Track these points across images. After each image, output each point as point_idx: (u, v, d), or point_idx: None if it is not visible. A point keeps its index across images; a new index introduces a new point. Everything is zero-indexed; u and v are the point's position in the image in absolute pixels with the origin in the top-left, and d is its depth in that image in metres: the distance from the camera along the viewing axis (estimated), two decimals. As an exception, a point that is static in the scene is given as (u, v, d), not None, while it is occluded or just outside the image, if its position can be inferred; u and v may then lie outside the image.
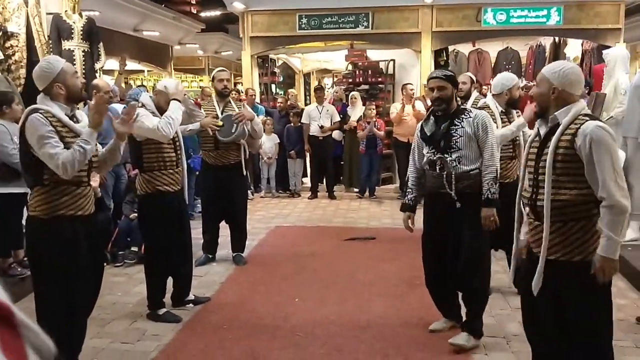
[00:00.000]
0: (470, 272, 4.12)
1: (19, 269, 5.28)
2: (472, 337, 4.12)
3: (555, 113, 2.95)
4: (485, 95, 5.93)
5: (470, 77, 6.47)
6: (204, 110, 6.06)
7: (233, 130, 5.88)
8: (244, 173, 6.24)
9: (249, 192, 10.44)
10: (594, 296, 2.94)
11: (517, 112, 5.25)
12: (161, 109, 4.69)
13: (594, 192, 2.86)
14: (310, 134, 10.39)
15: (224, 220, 6.41)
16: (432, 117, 4.26)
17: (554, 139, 2.91)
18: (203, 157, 6.31)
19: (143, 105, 4.65)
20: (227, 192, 6.15)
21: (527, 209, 3.15)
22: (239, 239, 6.44)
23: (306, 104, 11.97)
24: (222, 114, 5.98)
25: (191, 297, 5.10)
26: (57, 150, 3.29)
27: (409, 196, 4.39)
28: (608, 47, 9.32)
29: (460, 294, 4.38)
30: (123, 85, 11.08)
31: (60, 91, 3.42)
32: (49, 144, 3.27)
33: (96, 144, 3.63)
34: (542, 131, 3.05)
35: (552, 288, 3.01)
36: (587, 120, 2.88)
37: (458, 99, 4.51)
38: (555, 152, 2.89)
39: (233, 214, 6.32)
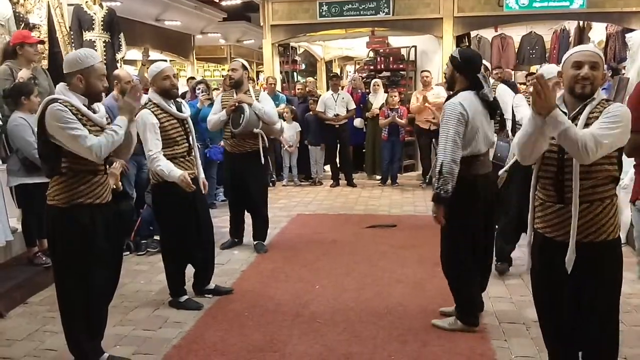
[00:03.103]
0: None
1: (43, 258, 5.38)
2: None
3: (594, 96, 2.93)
4: (503, 81, 5.86)
5: (485, 66, 6.40)
6: (224, 101, 6.16)
7: (240, 121, 5.95)
8: (262, 161, 6.24)
9: (270, 180, 10.55)
10: (614, 274, 2.98)
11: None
12: (166, 93, 4.68)
13: (615, 169, 2.90)
14: (326, 122, 10.35)
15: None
16: None
17: (582, 116, 2.89)
18: (224, 145, 6.44)
19: (149, 100, 4.68)
20: (244, 180, 6.21)
21: (544, 191, 3.05)
22: (259, 228, 6.51)
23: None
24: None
25: (212, 286, 5.13)
26: (85, 132, 3.34)
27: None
28: (632, 30, 9.16)
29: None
30: (146, 75, 11.18)
31: (79, 84, 3.45)
32: (74, 128, 3.31)
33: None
34: (566, 110, 2.97)
35: (571, 270, 2.96)
36: (613, 103, 2.95)
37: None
38: (583, 128, 2.83)
39: (251, 202, 6.38)
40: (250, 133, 6.07)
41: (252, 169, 6.19)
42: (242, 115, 5.95)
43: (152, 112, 4.59)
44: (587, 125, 2.86)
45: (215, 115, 6.18)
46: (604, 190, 2.90)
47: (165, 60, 14.85)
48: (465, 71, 4.11)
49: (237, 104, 5.98)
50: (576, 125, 2.87)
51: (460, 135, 3.96)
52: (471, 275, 4.23)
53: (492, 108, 4.10)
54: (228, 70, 6.14)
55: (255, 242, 6.47)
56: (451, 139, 3.94)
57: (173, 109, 4.69)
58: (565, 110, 2.98)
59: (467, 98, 4.03)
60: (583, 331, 3.02)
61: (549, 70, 5.26)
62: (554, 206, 3.01)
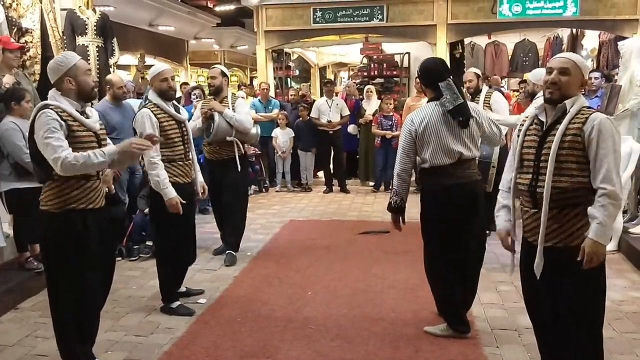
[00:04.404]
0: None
1: (35, 263, 5.35)
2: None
3: (565, 102, 2.94)
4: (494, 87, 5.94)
5: (476, 73, 6.46)
6: (204, 108, 6.05)
7: (211, 130, 5.92)
8: (238, 169, 6.08)
9: (263, 186, 10.54)
10: (591, 281, 2.96)
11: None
12: (163, 94, 4.70)
13: (587, 178, 2.90)
14: (320, 128, 10.32)
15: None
16: None
17: (561, 126, 2.91)
18: (204, 152, 6.37)
19: (148, 101, 4.71)
20: (221, 187, 6.10)
21: (522, 196, 3.13)
22: (231, 236, 6.30)
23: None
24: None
25: (183, 289, 5.11)
26: (61, 144, 3.29)
27: None
28: (625, 38, 9.22)
29: None
30: (140, 80, 11.18)
31: (71, 86, 3.45)
32: (53, 137, 3.28)
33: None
34: (545, 119, 3.04)
35: (549, 275, 3.02)
36: (594, 111, 2.93)
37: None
38: (562, 138, 2.89)
39: (225, 209, 6.24)
40: (226, 140, 6.00)
41: (228, 176, 6.08)
42: (212, 124, 5.91)
43: (152, 111, 4.61)
44: (565, 135, 2.88)
45: (193, 123, 5.94)
46: (576, 196, 2.92)
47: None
48: (426, 82, 4.16)
49: (209, 111, 5.91)
50: (554, 135, 2.92)
51: (411, 148, 4.08)
52: (447, 283, 4.23)
53: (457, 116, 4.00)
54: (207, 78, 6.06)
55: (226, 252, 6.26)
56: (401, 152, 4.13)
57: (172, 110, 4.73)
58: (544, 119, 3.03)
59: (423, 110, 4.10)
60: (563, 333, 3.04)
61: (538, 74, 5.37)
62: (529, 211, 3.08)
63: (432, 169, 4.05)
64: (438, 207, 4.09)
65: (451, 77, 4.07)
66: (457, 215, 4.05)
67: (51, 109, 3.36)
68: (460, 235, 4.09)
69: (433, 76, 4.07)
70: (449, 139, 3.99)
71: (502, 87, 12.33)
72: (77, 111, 3.46)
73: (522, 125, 3.18)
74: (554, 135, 2.93)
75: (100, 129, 3.61)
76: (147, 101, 4.72)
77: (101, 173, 3.62)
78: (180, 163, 4.76)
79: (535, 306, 3.19)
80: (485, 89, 6.42)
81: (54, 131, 3.30)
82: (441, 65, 4.23)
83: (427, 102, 4.17)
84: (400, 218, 4.26)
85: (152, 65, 5.60)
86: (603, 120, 2.86)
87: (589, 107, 2.98)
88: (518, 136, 3.16)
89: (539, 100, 5.62)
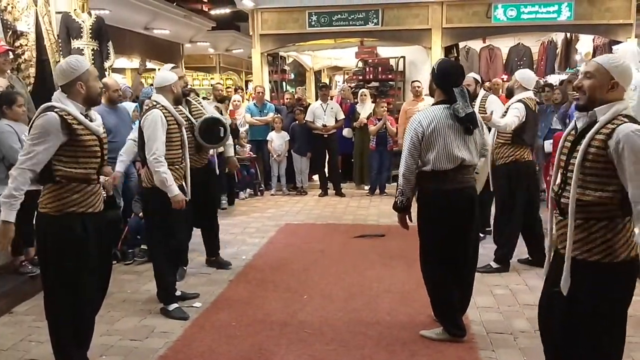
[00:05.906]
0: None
1: (29, 267, 5.33)
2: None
3: (596, 109, 2.78)
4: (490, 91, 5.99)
5: (474, 79, 6.49)
6: (181, 113, 5.54)
7: (222, 135, 5.50)
8: (217, 172, 6.09)
9: (258, 190, 10.54)
10: (607, 299, 2.84)
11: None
12: (178, 97, 4.87)
13: (617, 194, 2.72)
14: (315, 132, 10.33)
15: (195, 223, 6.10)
16: None
17: (587, 136, 2.75)
18: None
19: (157, 103, 4.71)
20: (204, 193, 5.62)
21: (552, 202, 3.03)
22: (216, 242, 6.27)
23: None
24: (190, 114, 5.41)
25: (178, 293, 5.09)
26: (33, 155, 3.34)
27: None
28: (619, 42, 9.26)
29: None
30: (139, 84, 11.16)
31: (81, 90, 3.46)
32: (36, 143, 3.32)
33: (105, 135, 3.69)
34: (579, 125, 2.89)
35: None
36: (624, 122, 2.70)
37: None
38: (587, 150, 2.74)
39: (209, 214, 6.12)
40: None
41: (210, 182, 5.95)
42: (224, 129, 5.52)
43: (163, 113, 4.66)
44: (590, 146, 2.73)
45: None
46: (602, 210, 2.76)
47: (154, 70, 14.86)
48: (441, 84, 4.13)
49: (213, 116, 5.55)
50: (580, 143, 2.78)
51: (417, 149, 4.04)
52: (445, 286, 4.24)
53: (467, 123, 4.00)
54: (180, 78, 5.27)
55: (212, 258, 6.22)
56: (406, 152, 4.09)
57: (177, 114, 4.79)
58: (578, 125, 2.90)
59: (431, 112, 4.07)
60: (571, 344, 2.97)
61: (524, 74, 5.54)
62: (557, 217, 2.99)
63: (432, 173, 4.04)
64: (437, 211, 4.09)
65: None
66: (456, 220, 4.07)
67: (56, 111, 3.36)
68: (459, 239, 4.11)
69: (449, 80, 4.07)
70: (454, 144, 4.00)
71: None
72: (82, 114, 3.46)
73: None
74: (582, 145, 2.77)
75: (103, 132, 3.62)
76: (156, 103, 4.72)
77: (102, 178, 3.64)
78: (177, 166, 4.78)
79: (547, 312, 3.09)
80: (482, 93, 6.48)
81: (42, 136, 3.33)
82: (459, 69, 4.23)
83: (434, 104, 4.16)
84: (407, 217, 4.28)
85: (152, 69, 5.60)
86: (628, 135, 2.64)
87: (625, 116, 2.74)
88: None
89: (517, 104, 5.64)
